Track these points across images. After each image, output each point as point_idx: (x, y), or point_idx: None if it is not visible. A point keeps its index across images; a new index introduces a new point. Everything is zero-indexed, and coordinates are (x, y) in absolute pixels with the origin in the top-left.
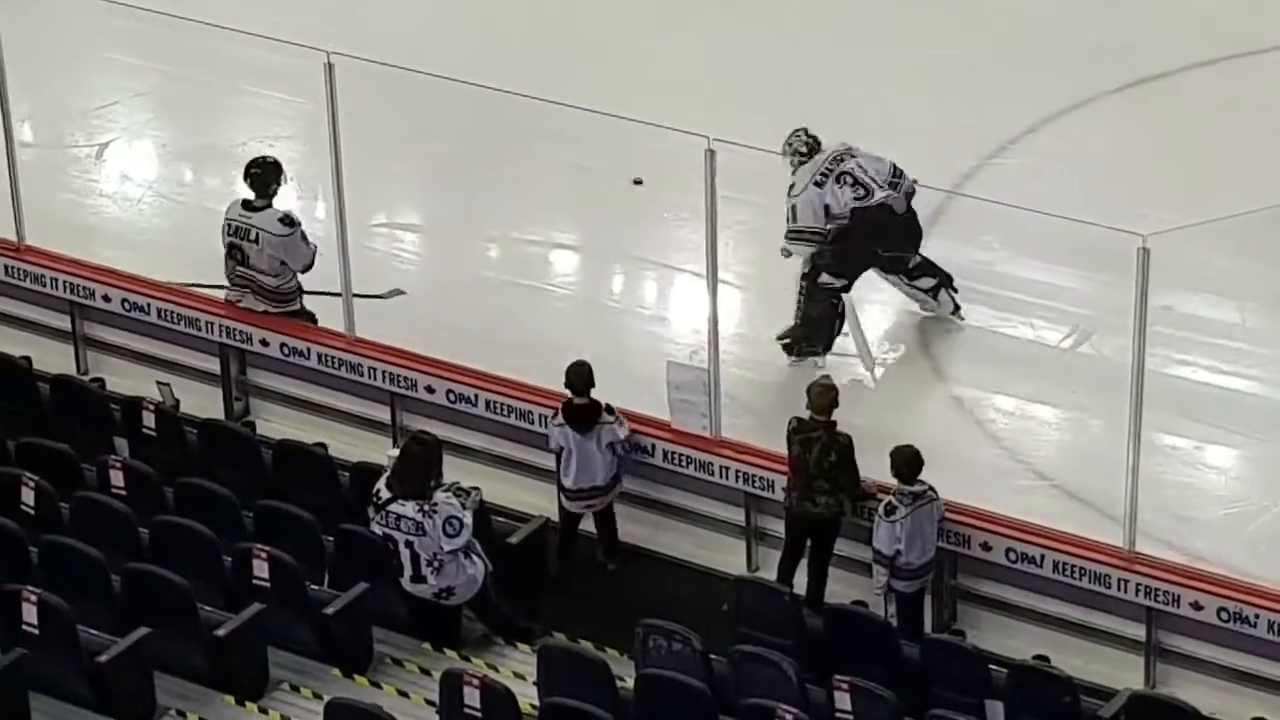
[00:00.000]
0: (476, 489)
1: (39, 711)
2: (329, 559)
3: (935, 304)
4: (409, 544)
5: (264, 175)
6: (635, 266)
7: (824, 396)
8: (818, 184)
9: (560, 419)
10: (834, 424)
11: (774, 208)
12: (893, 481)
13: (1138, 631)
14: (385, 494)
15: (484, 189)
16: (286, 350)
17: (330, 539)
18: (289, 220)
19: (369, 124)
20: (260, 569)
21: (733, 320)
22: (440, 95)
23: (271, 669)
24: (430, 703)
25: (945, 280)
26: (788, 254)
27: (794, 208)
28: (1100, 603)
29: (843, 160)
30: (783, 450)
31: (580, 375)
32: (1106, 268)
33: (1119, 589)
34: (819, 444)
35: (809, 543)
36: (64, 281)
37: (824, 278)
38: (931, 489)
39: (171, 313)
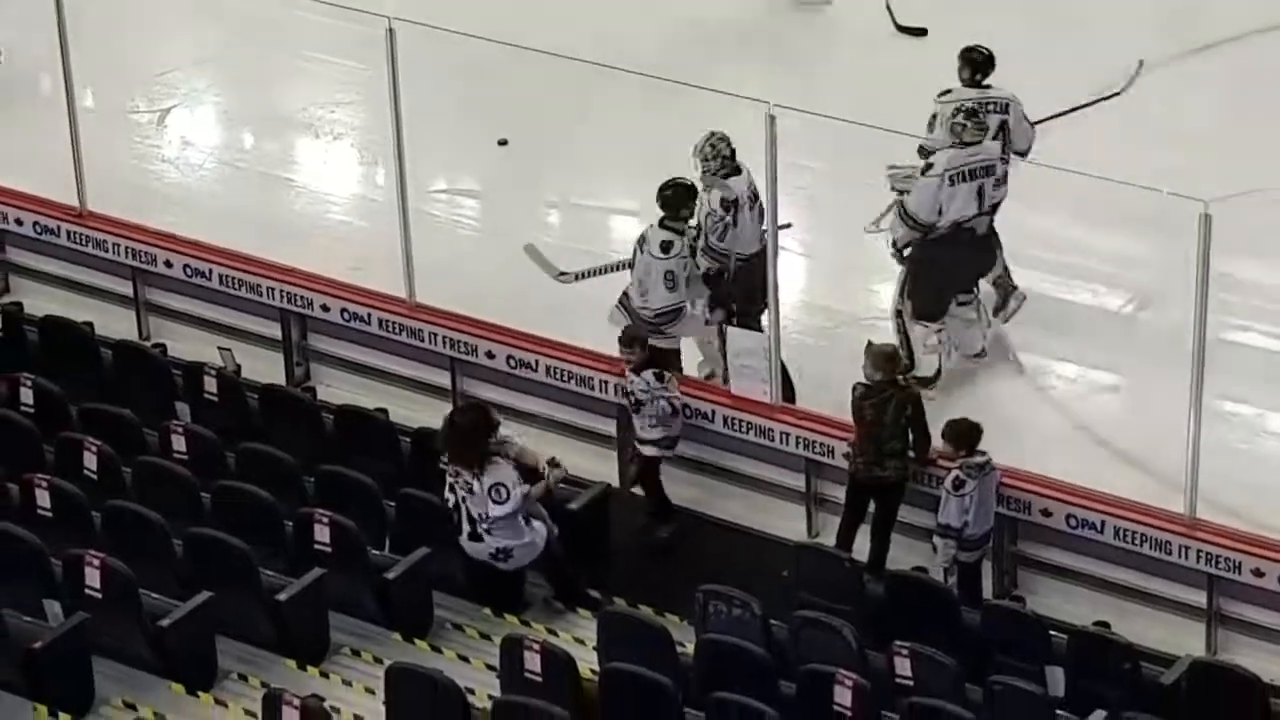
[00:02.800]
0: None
1: (102, 674)
2: (390, 524)
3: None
4: (464, 500)
5: (674, 198)
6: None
7: (890, 361)
8: (749, 201)
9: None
10: (897, 380)
11: (835, 173)
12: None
13: (1199, 598)
14: (444, 458)
15: (544, 155)
16: (347, 315)
17: (391, 504)
18: (668, 248)
19: (430, 89)
20: (321, 534)
21: (794, 286)
22: (501, 60)
23: (332, 633)
24: (490, 667)
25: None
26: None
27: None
28: (1161, 569)
29: (759, 195)
30: (844, 416)
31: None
32: (1168, 234)
33: (1180, 555)
34: (893, 403)
35: (872, 508)
36: (126, 247)
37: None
38: (990, 458)
39: (233, 278)
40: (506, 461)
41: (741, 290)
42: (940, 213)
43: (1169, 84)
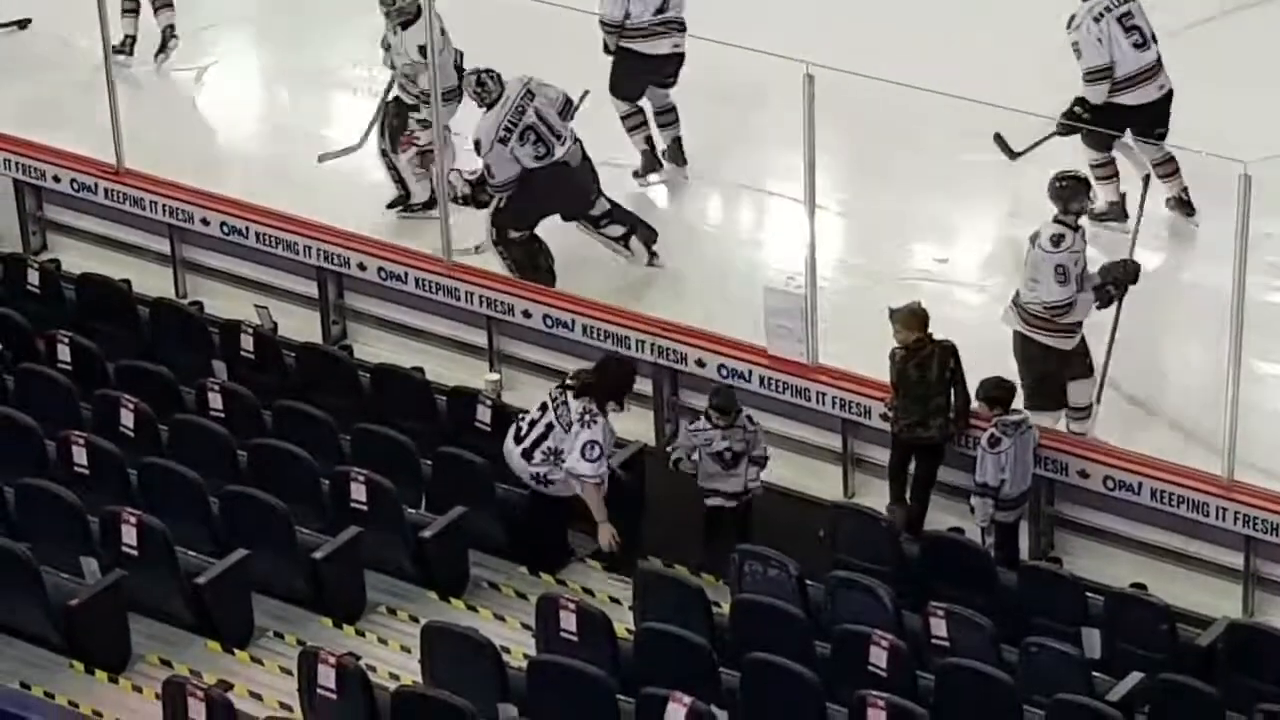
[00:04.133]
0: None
1: (138, 632)
2: (426, 483)
3: (629, 252)
4: (550, 425)
5: (1066, 190)
6: (732, 192)
7: (919, 318)
8: (502, 140)
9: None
10: (930, 336)
11: (872, 132)
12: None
13: (1236, 560)
14: (572, 381)
15: (582, 114)
16: (384, 274)
17: (428, 463)
18: (1058, 242)
19: (467, 45)
20: (358, 492)
21: (831, 246)
22: (541, 19)
23: (368, 592)
24: (526, 626)
25: (635, 226)
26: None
27: (489, 167)
28: (1198, 531)
29: (524, 111)
30: (879, 375)
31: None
32: (1208, 194)
33: (1217, 517)
34: (935, 359)
35: (914, 468)
36: (163, 205)
37: (511, 234)
38: (1027, 416)
39: (270, 236)
40: (609, 424)
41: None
42: None
43: (1208, 45)
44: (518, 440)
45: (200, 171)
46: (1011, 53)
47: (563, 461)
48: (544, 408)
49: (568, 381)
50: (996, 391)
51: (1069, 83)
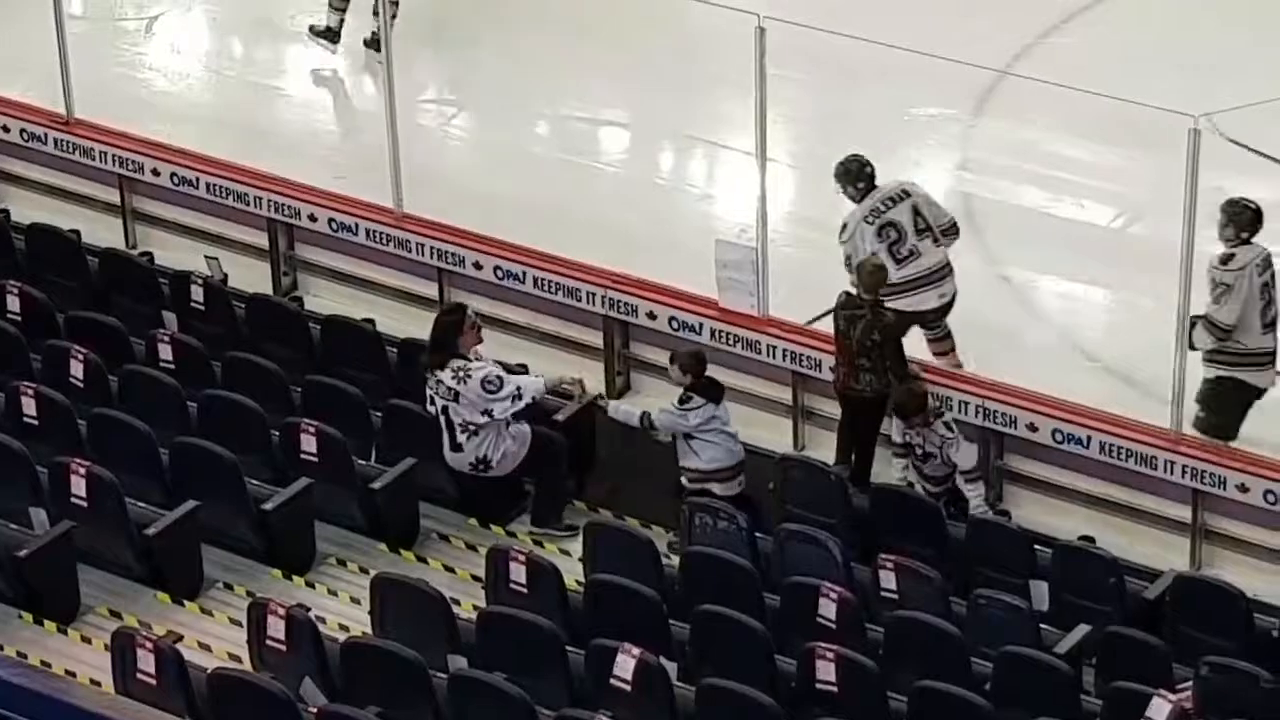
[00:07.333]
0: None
1: (88, 583)
2: (376, 434)
3: None
4: (445, 409)
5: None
6: (684, 144)
7: (873, 276)
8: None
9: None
10: (880, 303)
11: (823, 85)
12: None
13: (1183, 513)
14: (425, 360)
15: (533, 66)
16: (335, 226)
17: (378, 414)
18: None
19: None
20: (308, 444)
21: (782, 198)
22: None
23: (318, 543)
24: (476, 578)
25: None
26: None
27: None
28: (1146, 484)
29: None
30: (830, 328)
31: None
32: (1158, 148)
33: (1165, 470)
34: (862, 322)
35: (855, 421)
36: (113, 155)
37: None
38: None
39: (220, 187)
40: (487, 361)
41: None
42: None
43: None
44: (443, 443)
45: (151, 122)
46: (969, 6)
47: (473, 430)
48: (431, 400)
49: (424, 363)
50: (915, 400)
51: (1029, 36)
